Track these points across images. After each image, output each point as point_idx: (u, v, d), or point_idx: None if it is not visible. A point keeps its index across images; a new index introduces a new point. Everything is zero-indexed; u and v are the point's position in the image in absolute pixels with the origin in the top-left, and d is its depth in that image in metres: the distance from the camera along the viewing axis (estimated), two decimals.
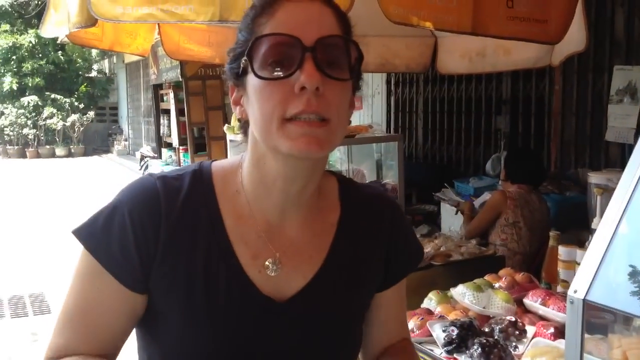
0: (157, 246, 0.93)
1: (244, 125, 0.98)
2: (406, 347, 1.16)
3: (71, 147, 18.88)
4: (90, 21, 2.00)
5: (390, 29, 2.29)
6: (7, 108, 18.13)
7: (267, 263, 0.97)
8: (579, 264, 2.27)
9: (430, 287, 3.07)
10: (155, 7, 1.91)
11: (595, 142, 4.87)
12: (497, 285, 2.22)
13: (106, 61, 20.40)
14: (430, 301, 2.25)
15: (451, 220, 5.10)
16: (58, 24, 2.41)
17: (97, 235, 0.94)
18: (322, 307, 0.99)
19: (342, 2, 1.83)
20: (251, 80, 0.90)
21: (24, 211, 9.40)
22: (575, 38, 2.46)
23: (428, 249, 3.14)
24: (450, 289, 2.21)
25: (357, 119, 7.86)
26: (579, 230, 4.16)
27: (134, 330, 1.02)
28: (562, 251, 2.32)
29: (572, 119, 5.02)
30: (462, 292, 2.11)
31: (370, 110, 7.80)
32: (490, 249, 3.39)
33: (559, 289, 2.34)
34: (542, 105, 5.30)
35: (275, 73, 0.87)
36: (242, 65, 0.91)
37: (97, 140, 20.06)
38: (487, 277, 2.30)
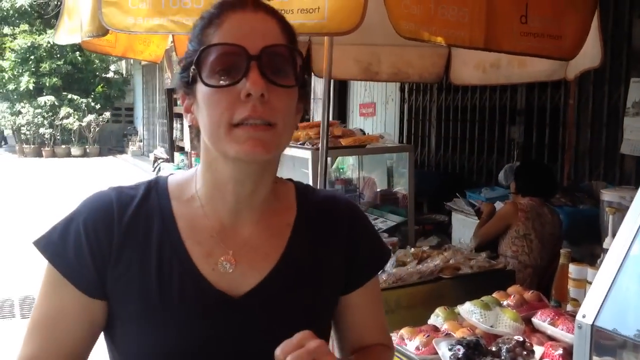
0: (111, 251, 0.98)
1: (196, 133, 1.03)
2: (380, 352, 1.15)
3: (86, 147, 19.04)
4: (102, 31, 2.01)
5: (403, 39, 2.28)
6: (24, 107, 18.31)
7: (220, 259, 1.00)
8: (589, 282, 2.23)
9: (438, 301, 3.04)
10: (166, 19, 1.91)
11: (610, 154, 4.81)
12: (505, 303, 2.18)
13: (123, 62, 20.54)
14: (437, 317, 2.22)
15: (462, 231, 5.05)
16: (71, 31, 2.42)
17: (54, 243, 0.99)
18: (279, 303, 1.01)
19: (352, 19, 1.83)
20: (200, 88, 0.94)
21: (36, 210, 9.47)
22: (590, 53, 2.42)
23: (437, 261, 3.11)
24: (458, 306, 2.19)
25: (370, 125, 7.84)
26: (592, 244, 4.11)
27: (103, 340, 1.05)
28: (573, 269, 2.28)
29: (587, 130, 4.97)
30: (469, 310, 2.08)
31: (383, 117, 7.78)
32: (500, 262, 3.35)
33: (569, 307, 2.30)
34: (557, 116, 5.24)
35: (222, 81, 0.92)
36: (191, 74, 0.95)
37: (113, 141, 20.21)
38: (495, 295, 2.26)
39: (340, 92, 8.47)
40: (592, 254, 4.06)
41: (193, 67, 0.94)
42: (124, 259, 0.98)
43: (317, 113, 9.09)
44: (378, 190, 4.94)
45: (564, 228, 3.90)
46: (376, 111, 7.94)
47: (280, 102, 0.93)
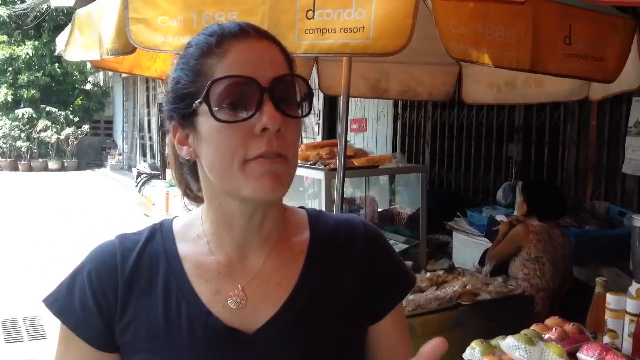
0: (117, 300, 0.95)
1: (191, 166, 0.99)
2: None
3: (64, 160, 18.65)
4: (128, 48, 1.90)
5: (413, 56, 2.20)
6: (1, 120, 17.90)
7: (229, 296, 0.96)
8: (629, 313, 2.17)
9: (456, 328, 2.95)
10: None
11: (612, 174, 4.79)
12: (547, 336, 2.09)
13: (101, 74, 20.24)
14: (474, 351, 2.11)
15: (464, 251, 4.97)
16: (85, 47, 2.29)
17: (61, 299, 0.98)
18: (296, 335, 0.96)
19: (399, 39, 1.74)
20: (206, 122, 0.89)
21: (15, 228, 9.19)
22: (627, 76, 2.36)
23: (456, 287, 3.02)
24: (498, 341, 2.08)
25: (361, 141, 7.76)
26: (598, 266, 4.08)
27: None
28: (611, 300, 2.20)
29: (587, 149, 4.95)
30: (512, 345, 1.97)
31: (375, 133, 7.71)
32: (517, 287, 3.27)
33: (606, 339, 2.22)
34: (557, 134, 5.22)
35: (233, 116, 0.87)
36: (194, 107, 0.90)
37: (91, 154, 19.85)
38: (534, 327, 2.16)
39: (331, 107, 8.39)
40: (597, 276, 4.01)
41: (199, 100, 0.89)
42: (130, 306, 0.96)
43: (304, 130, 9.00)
44: (379, 210, 4.85)
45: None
46: (367, 127, 7.87)
47: (292, 135, 0.91)
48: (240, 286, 0.96)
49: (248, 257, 0.98)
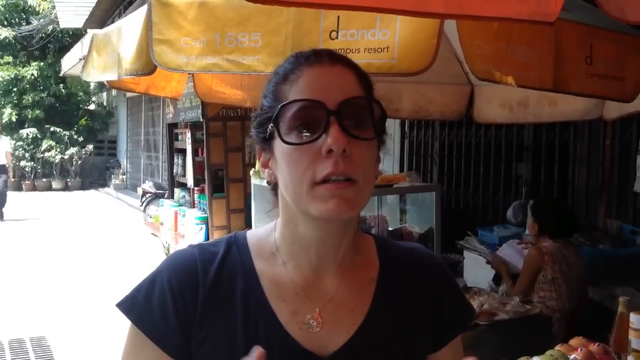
0: (196, 311, 0.96)
1: (273, 187, 1.00)
2: None
3: (68, 180, 18.67)
4: (148, 68, 1.91)
5: (425, 76, 2.19)
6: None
7: (307, 318, 0.98)
8: None
9: (474, 349, 2.91)
10: (221, 57, 1.82)
11: (622, 193, 4.78)
12: (572, 357, 2.06)
13: (104, 94, 20.35)
14: None
15: (475, 270, 4.93)
16: (101, 68, 2.30)
17: (139, 305, 0.98)
18: None
19: (424, 59, 1.73)
20: (279, 145, 0.93)
21: (20, 247, 9.16)
22: None
23: (474, 306, 2.98)
24: None
25: None
26: (612, 285, 4.04)
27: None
28: (635, 319, 2.17)
29: (598, 169, 4.93)
30: None
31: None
32: (536, 307, 3.23)
33: (630, 359, 2.19)
34: (566, 153, 5.21)
35: (302, 138, 0.91)
36: (269, 131, 0.94)
37: (95, 174, 19.87)
38: (559, 348, 2.14)
39: None
40: (611, 295, 3.98)
41: (271, 124, 0.93)
42: (209, 319, 0.97)
43: None
44: (389, 228, 4.81)
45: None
46: None
47: (360, 156, 0.91)
48: (317, 309, 0.98)
49: (323, 280, 1.00)
